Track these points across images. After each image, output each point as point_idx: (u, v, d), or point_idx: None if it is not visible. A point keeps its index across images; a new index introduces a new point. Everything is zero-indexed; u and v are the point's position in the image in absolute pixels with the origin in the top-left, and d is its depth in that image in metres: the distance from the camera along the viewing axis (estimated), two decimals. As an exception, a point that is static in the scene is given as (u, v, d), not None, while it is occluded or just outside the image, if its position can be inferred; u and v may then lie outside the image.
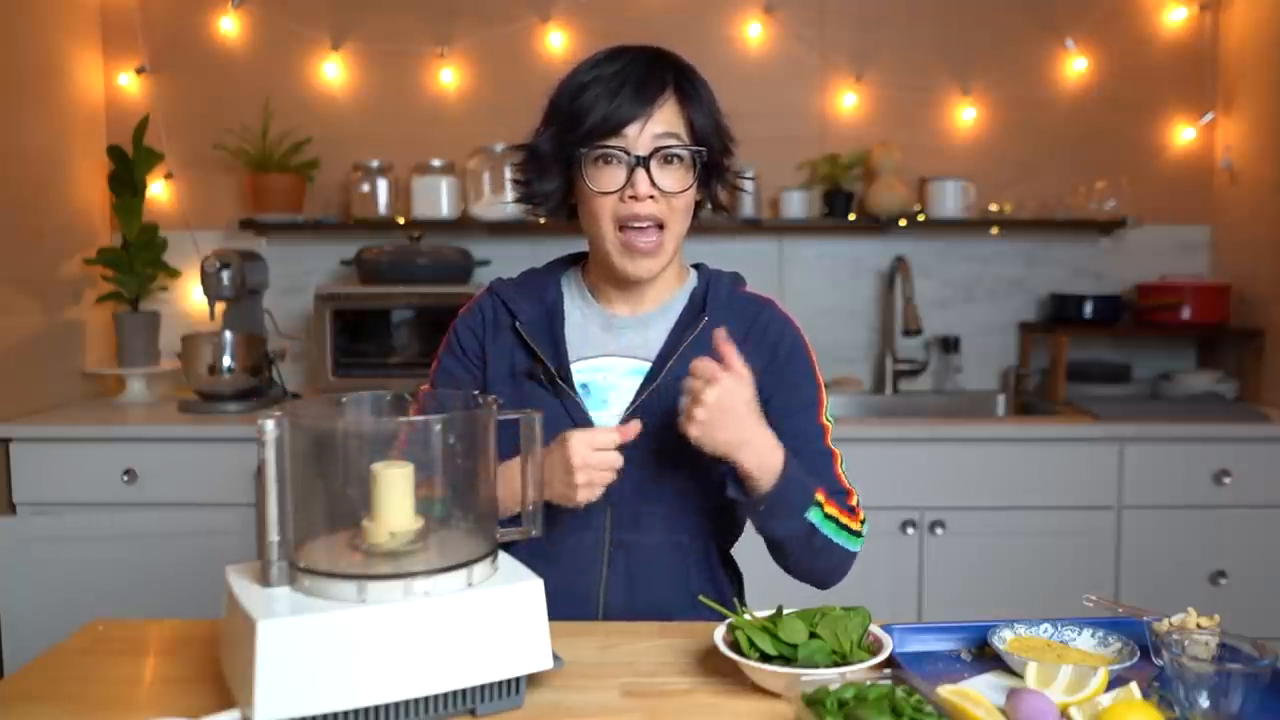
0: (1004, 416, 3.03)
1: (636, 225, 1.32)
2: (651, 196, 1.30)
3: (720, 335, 1.21)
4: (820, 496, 1.30)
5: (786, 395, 1.40)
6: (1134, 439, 2.56)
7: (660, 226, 1.33)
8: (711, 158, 1.36)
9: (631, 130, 1.30)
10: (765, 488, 1.25)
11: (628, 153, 1.30)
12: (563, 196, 1.39)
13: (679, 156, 1.32)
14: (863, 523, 1.38)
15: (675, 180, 1.32)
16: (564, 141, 1.33)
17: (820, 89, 3.12)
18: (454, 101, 3.11)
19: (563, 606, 1.28)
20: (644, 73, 1.31)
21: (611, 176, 1.31)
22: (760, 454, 1.23)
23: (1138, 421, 2.58)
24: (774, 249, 3.15)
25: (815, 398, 1.42)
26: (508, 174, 2.97)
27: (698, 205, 1.41)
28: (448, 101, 3.11)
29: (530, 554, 1.20)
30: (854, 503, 1.39)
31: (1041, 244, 3.14)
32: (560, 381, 1.36)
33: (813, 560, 1.34)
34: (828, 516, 1.30)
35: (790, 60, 3.10)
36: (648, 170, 1.30)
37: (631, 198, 1.30)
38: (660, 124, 1.30)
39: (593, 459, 1.24)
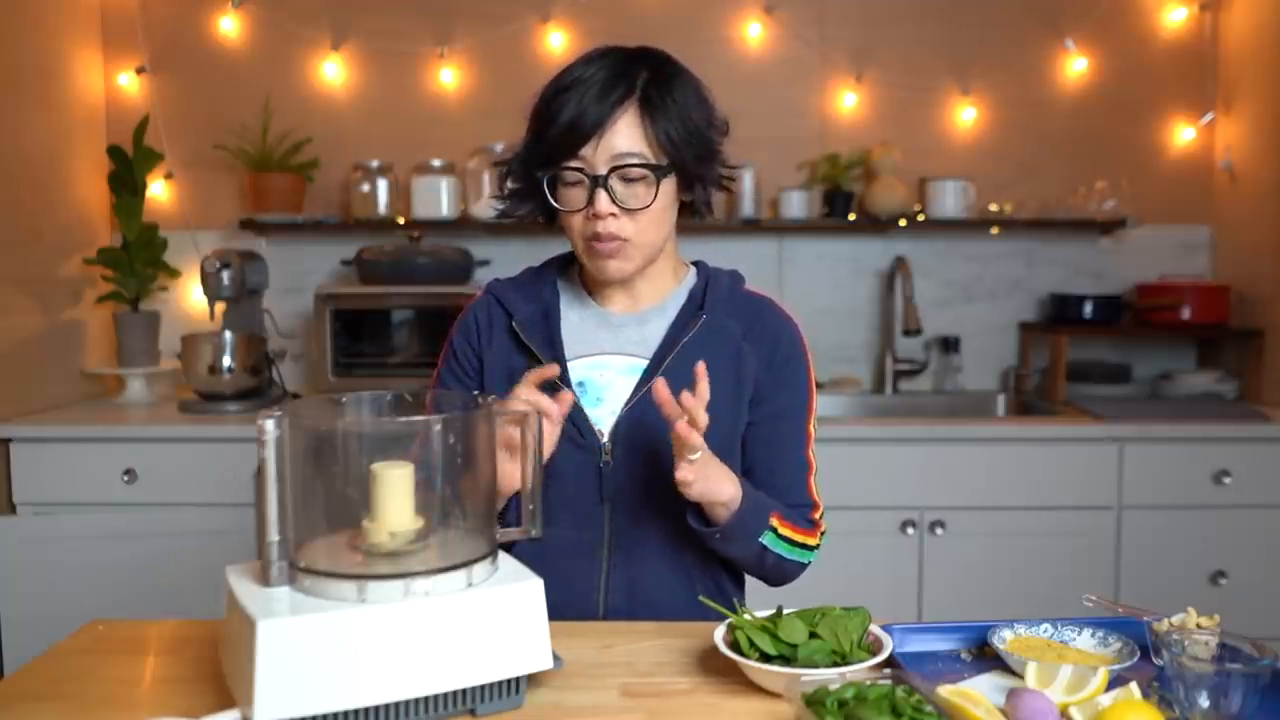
0: (1004, 416, 3.03)
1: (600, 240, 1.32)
2: (613, 214, 1.30)
3: (699, 370, 1.19)
4: (775, 521, 1.32)
5: (780, 399, 1.40)
6: (1134, 439, 2.56)
7: (623, 240, 1.32)
8: (684, 165, 1.33)
9: (588, 150, 1.28)
10: (723, 518, 1.27)
11: (586, 173, 1.29)
12: (542, 209, 1.39)
13: (641, 173, 1.30)
14: (822, 534, 1.41)
15: (638, 196, 1.30)
16: (530, 163, 1.34)
17: (820, 89, 3.12)
18: (454, 101, 3.11)
19: (563, 607, 1.28)
20: (603, 83, 1.28)
21: (574, 196, 1.31)
22: (724, 490, 1.25)
23: (1138, 421, 2.58)
24: (774, 249, 3.15)
25: (806, 404, 1.43)
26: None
27: (685, 206, 1.40)
28: (448, 101, 3.11)
29: (530, 555, 1.20)
30: (817, 516, 1.41)
31: (1041, 244, 3.14)
32: (557, 380, 1.36)
33: (761, 572, 1.39)
34: (781, 537, 1.33)
35: (790, 60, 3.10)
36: (608, 189, 1.29)
37: (594, 215, 1.30)
38: (620, 139, 1.28)
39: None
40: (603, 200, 1.29)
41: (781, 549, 1.33)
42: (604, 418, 1.37)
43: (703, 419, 1.17)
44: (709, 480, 1.23)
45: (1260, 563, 2.57)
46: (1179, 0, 3.06)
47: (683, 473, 1.19)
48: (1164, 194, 3.11)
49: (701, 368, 1.19)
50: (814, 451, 1.43)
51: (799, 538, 1.35)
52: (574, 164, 1.29)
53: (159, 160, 2.96)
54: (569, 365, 1.38)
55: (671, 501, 1.35)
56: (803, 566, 1.39)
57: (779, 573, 1.38)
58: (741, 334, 1.40)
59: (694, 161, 1.34)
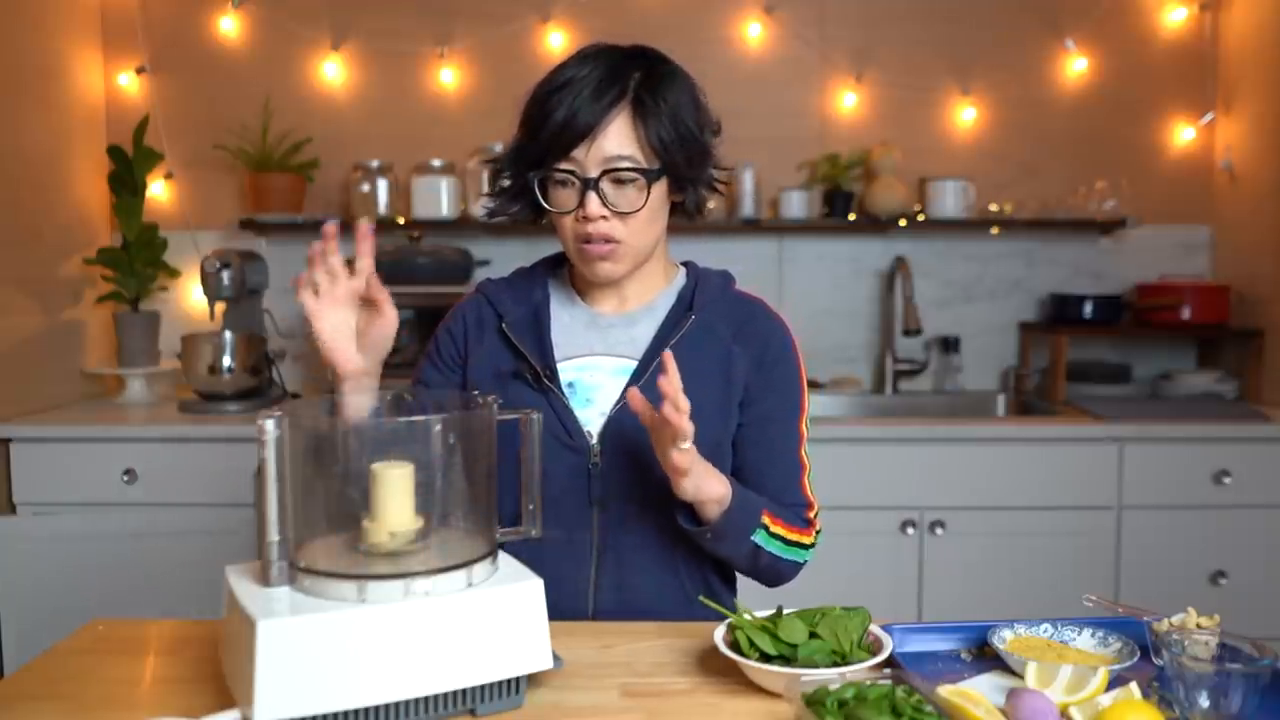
0: (1004, 416, 3.03)
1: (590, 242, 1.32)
2: (604, 217, 1.30)
3: (666, 358, 1.16)
4: (766, 519, 1.31)
5: (770, 400, 1.40)
6: (1134, 439, 2.56)
7: (614, 242, 1.32)
8: (676, 168, 1.33)
9: (579, 152, 1.28)
10: (714, 516, 1.26)
11: (577, 176, 1.29)
12: (534, 208, 1.39)
13: (632, 176, 1.30)
14: (817, 533, 1.40)
15: (629, 199, 1.30)
16: (521, 163, 1.34)
17: (820, 89, 3.12)
18: (454, 101, 3.11)
19: (553, 609, 1.27)
20: (597, 83, 1.28)
21: (565, 197, 1.32)
22: (715, 488, 1.25)
23: (1138, 421, 2.58)
24: (774, 249, 3.15)
25: (798, 404, 1.42)
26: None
27: (677, 206, 1.40)
28: (448, 101, 3.11)
29: (519, 557, 1.20)
30: (812, 515, 1.40)
31: (1041, 244, 3.14)
32: (546, 381, 1.36)
33: (756, 570, 1.37)
34: (773, 535, 1.32)
35: (790, 60, 3.10)
36: (598, 192, 1.29)
37: (585, 217, 1.30)
38: (612, 142, 1.28)
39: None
40: (593, 203, 1.29)
41: (775, 548, 1.32)
42: (593, 419, 1.37)
43: (684, 404, 1.14)
44: (701, 476, 1.23)
45: (1260, 563, 2.57)
46: (1179, 0, 3.06)
47: (679, 459, 1.16)
48: (1164, 194, 3.11)
49: (668, 355, 1.15)
50: (807, 452, 1.42)
51: (793, 536, 1.34)
52: (565, 166, 1.29)
53: (159, 160, 2.96)
54: (558, 366, 1.38)
55: (661, 503, 1.34)
56: (798, 566, 1.38)
57: (773, 572, 1.37)
58: (731, 335, 1.40)
59: (685, 164, 1.34)
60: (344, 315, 1.25)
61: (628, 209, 1.30)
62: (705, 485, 1.24)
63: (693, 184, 1.37)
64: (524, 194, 1.37)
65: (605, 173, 1.29)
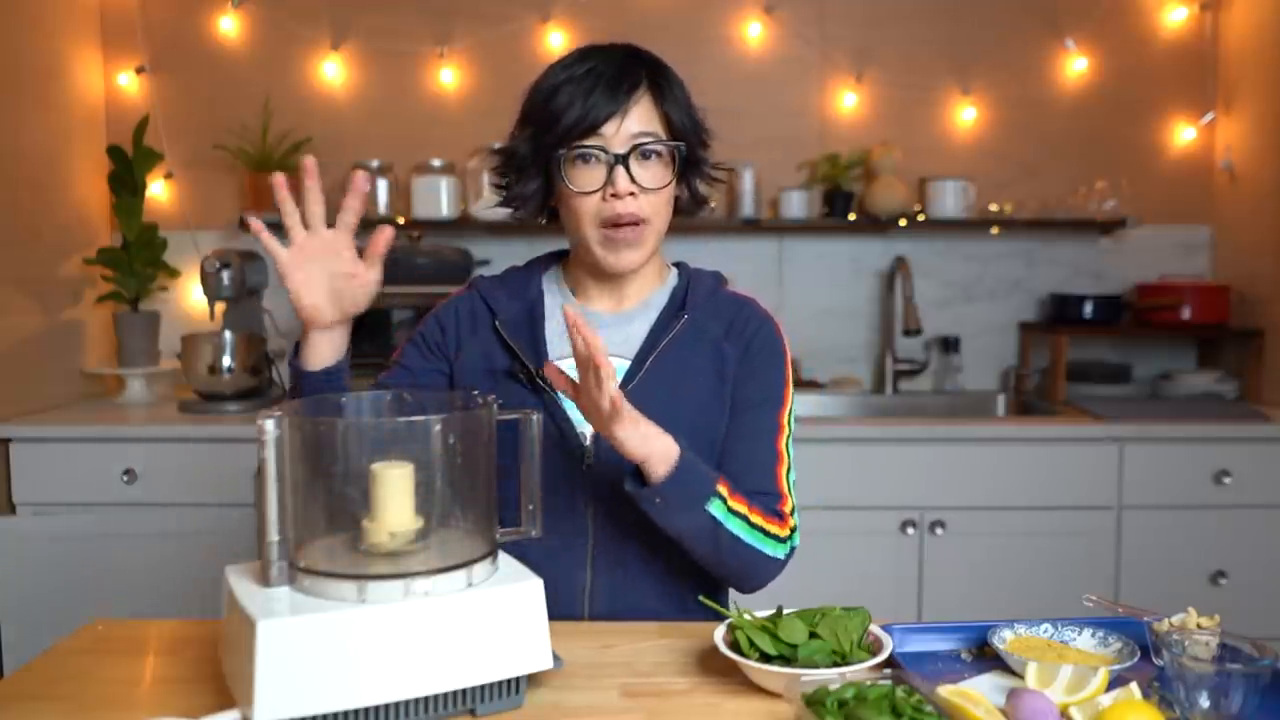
0: (1004, 416, 3.03)
1: (618, 224, 1.31)
2: (632, 193, 1.30)
3: (569, 313, 1.12)
4: (723, 489, 1.25)
5: (752, 386, 1.39)
6: (1134, 439, 2.56)
7: (642, 222, 1.33)
8: (689, 152, 1.37)
9: (608, 128, 1.30)
10: (662, 475, 1.21)
11: (606, 151, 1.30)
12: (543, 198, 1.39)
13: (657, 152, 1.33)
14: (793, 530, 1.34)
15: (655, 176, 1.32)
16: (541, 143, 1.33)
17: (820, 89, 3.12)
18: (454, 101, 3.11)
19: (550, 611, 1.27)
20: (617, 69, 1.31)
21: (591, 176, 1.32)
22: (661, 440, 1.21)
23: (1138, 421, 2.58)
24: (774, 249, 3.15)
25: (780, 395, 1.40)
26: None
27: (676, 199, 1.40)
28: (448, 101, 3.11)
29: (514, 558, 1.20)
30: (786, 508, 1.34)
31: (1041, 244, 3.14)
32: (539, 379, 1.36)
33: (720, 557, 1.28)
34: (733, 511, 1.26)
35: (790, 60, 3.10)
36: (627, 168, 1.30)
37: (613, 196, 1.30)
38: (636, 121, 1.31)
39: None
40: (622, 179, 1.30)
41: (736, 526, 1.25)
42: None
43: (596, 340, 1.10)
44: (646, 426, 1.19)
45: (1260, 563, 2.57)
46: (1179, 0, 3.06)
47: (609, 399, 1.12)
48: (1164, 194, 3.11)
49: (566, 308, 1.13)
50: (787, 445, 1.38)
51: (757, 519, 1.28)
52: (593, 142, 1.30)
53: (159, 160, 2.96)
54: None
55: None
56: (768, 559, 1.30)
57: (738, 561, 1.28)
58: (723, 334, 1.40)
59: (696, 147, 1.38)
60: (319, 268, 1.24)
61: (655, 185, 1.32)
62: (650, 437, 1.20)
63: (699, 171, 1.40)
64: (543, 174, 1.36)
65: (635, 148, 1.30)
